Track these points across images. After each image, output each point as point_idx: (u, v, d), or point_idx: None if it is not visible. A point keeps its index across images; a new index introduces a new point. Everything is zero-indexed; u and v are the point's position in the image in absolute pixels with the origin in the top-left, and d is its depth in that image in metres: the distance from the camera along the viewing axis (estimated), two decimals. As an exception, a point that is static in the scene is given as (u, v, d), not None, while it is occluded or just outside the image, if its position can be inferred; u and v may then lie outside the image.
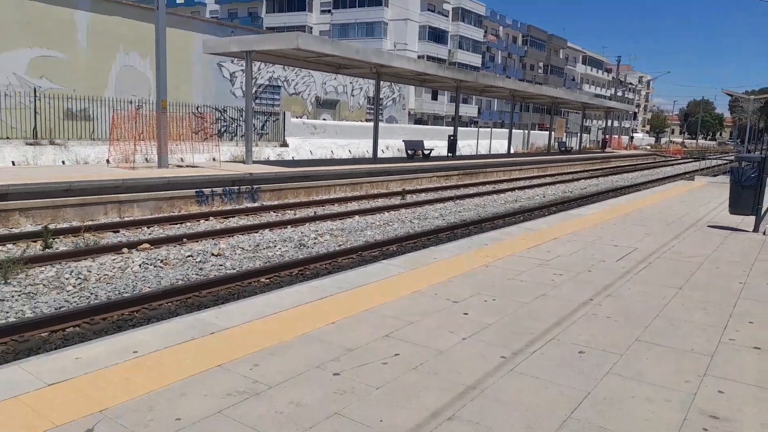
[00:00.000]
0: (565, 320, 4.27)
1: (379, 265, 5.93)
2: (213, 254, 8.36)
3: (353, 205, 13.92)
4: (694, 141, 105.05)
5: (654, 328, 4.17)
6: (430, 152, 27.40)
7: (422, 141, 28.47)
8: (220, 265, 7.81)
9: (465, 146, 37.76)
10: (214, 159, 18.31)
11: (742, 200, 8.80)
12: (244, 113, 22.37)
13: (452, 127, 33.20)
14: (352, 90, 40.88)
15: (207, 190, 12.55)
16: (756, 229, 8.76)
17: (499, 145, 41.45)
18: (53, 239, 8.51)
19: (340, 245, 9.38)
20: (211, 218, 11.23)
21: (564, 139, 49.26)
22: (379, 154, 27.92)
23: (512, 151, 39.96)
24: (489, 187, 19.43)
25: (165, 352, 3.43)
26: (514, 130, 40.74)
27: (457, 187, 19.13)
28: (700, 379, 3.28)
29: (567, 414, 2.82)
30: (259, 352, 3.47)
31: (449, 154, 28.96)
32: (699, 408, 2.92)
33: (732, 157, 48.19)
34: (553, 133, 46.15)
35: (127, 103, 21.47)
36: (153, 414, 2.70)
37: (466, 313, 4.37)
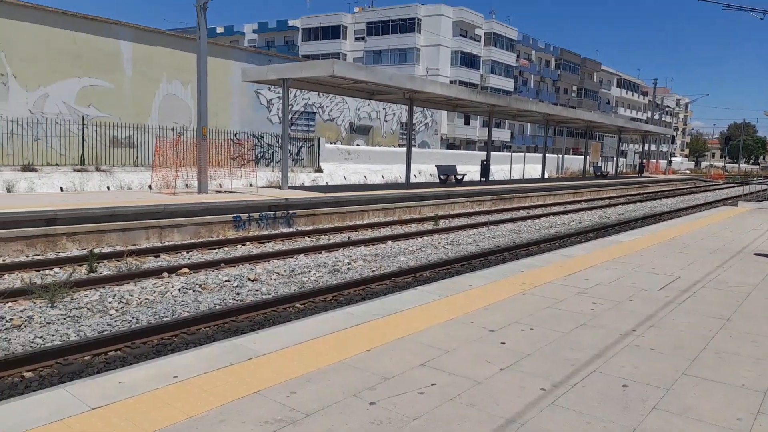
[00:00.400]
0: (607, 351, 4.15)
1: (413, 291, 5.90)
2: (249, 279, 8.48)
3: (386, 231, 13.96)
4: (736, 165, 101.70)
5: (701, 361, 4.01)
6: (463, 177, 27.34)
7: (455, 166, 28.45)
8: (257, 290, 7.92)
9: (498, 171, 37.57)
10: (251, 184, 18.74)
11: (791, 227, 8.45)
12: (280, 139, 22.90)
13: (485, 152, 33.15)
14: (385, 116, 41.39)
15: (244, 216, 12.82)
16: (808, 258, 8.37)
17: (533, 170, 41.05)
18: (98, 263, 8.80)
19: (373, 271, 9.39)
20: (248, 243, 11.44)
21: (599, 164, 48.51)
22: (412, 179, 28.03)
23: (546, 175, 39.53)
24: (523, 213, 19.22)
25: (204, 377, 3.48)
26: (548, 155, 40.40)
27: (491, 212, 18.98)
28: (753, 417, 3.13)
29: (612, 451, 2.72)
30: (296, 379, 3.48)
31: (482, 179, 28.84)
32: (754, 449, 2.78)
33: (778, 182, 46.38)
34: (588, 157, 45.50)
35: (168, 130, 22.28)
36: (193, 439, 2.73)
37: (504, 343, 4.29)
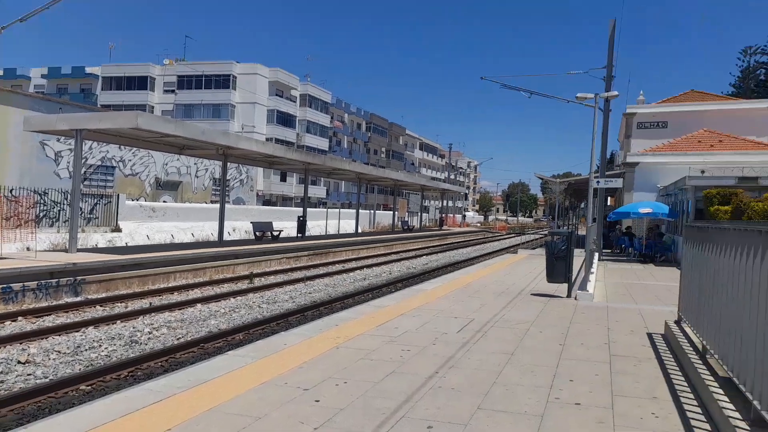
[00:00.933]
0: (414, 396, 4.37)
1: (223, 357, 5.58)
2: (20, 362, 7.12)
3: (195, 293, 13.06)
4: (515, 218, 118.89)
5: (492, 394, 4.45)
6: (280, 233, 27.20)
7: (271, 222, 28.22)
8: (29, 375, 6.67)
9: (314, 226, 38.23)
10: (28, 248, 16.08)
11: (555, 270, 10.06)
12: (69, 196, 20.29)
13: (301, 208, 33.57)
14: (197, 171, 39.65)
15: (16, 286, 10.83)
16: (569, 295, 10.00)
17: (348, 225, 42.68)
18: None
19: (179, 338, 8.65)
20: (20, 318, 9.58)
21: (406, 218, 52.40)
22: (226, 237, 26.98)
23: (360, 230, 41.33)
24: (339, 267, 19.71)
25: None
26: (360, 211, 42.45)
27: (308, 267, 19.10)
28: (533, 440, 3.54)
29: (418, 494, 2.83)
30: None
31: (299, 235, 29.02)
32: (534, 468, 3.13)
33: (546, 232, 55.15)
34: (396, 212, 48.98)
35: None
36: None
37: (318, 400, 4.25)
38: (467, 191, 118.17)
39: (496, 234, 58.34)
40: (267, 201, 56.06)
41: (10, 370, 6.83)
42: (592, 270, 12.59)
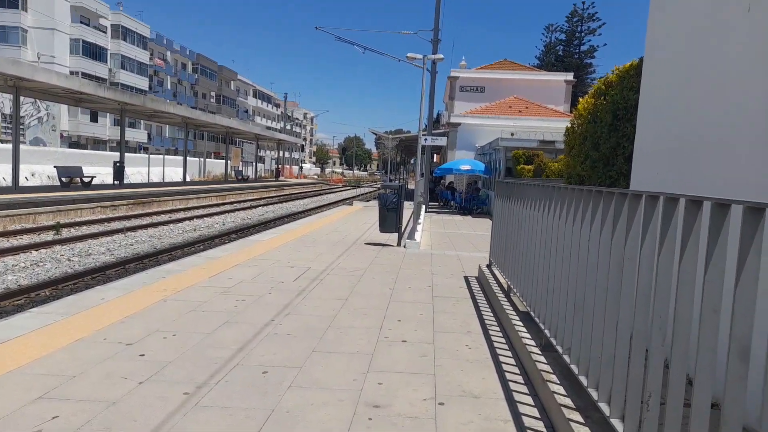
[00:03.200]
0: (249, 344, 4.34)
1: (26, 314, 4.90)
2: None
3: (-14, 245, 11.17)
4: (351, 172, 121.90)
5: (327, 338, 4.62)
6: (92, 180, 24.33)
7: (81, 167, 25.07)
8: None
9: (135, 173, 34.86)
10: None
11: (387, 221, 10.61)
12: None
13: (118, 153, 30.24)
14: (-20, 103, 33.21)
15: None
16: (399, 244, 10.67)
17: (174, 173, 39.70)
18: None
19: (-34, 296, 7.37)
20: None
21: (240, 168, 50.46)
22: (23, 183, 23.38)
23: (188, 179, 38.80)
24: (165, 217, 18.36)
25: None
26: (189, 158, 39.70)
27: (128, 218, 17.44)
28: (364, 376, 3.78)
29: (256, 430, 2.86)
30: None
31: (116, 182, 26.27)
32: (365, 401, 3.36)
33: (379, 185, 57.64)
34: (229, 161, 46.79)
35: None
36: None
37: (143, 355, 3.99)
38: (304, 143, 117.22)
39: (333, 186, 59.27)
40: (74, 143, 49.34)
41: None
42: (420, 221, 13.55)
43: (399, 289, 6.71)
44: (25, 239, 12.22)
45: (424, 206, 18.90)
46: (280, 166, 62.30)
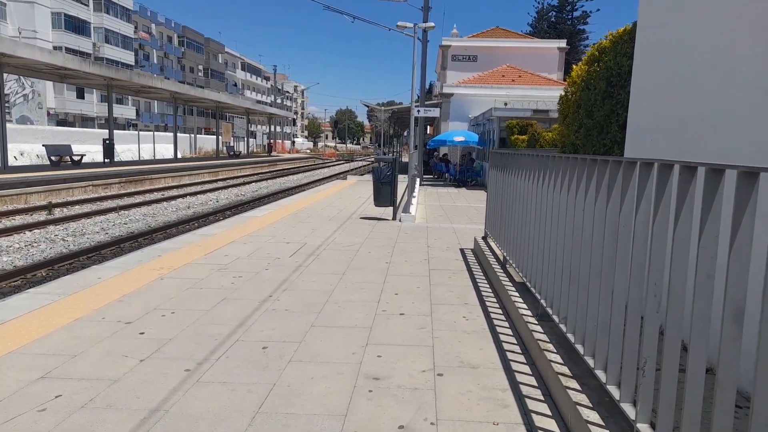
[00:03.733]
0: (248, 320, 4.37)
1: (23, 295, 4.90)
2: None
3: (-22, 227, 11.09)
4: (344, 145, 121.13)
5: (325, 312, 4.65)
6: (81, 158, 24.10)
7: (70, 146, 24.78)
8: None
9: (125, 151, 34.49)
10: None
11: (382, 194, 10.59)
12: None
13: (106, 130, 29.85)
14: (-37, 82, 32.53)
15: None
16: (394, 218, 10.68)
17: (165, 150, 39.32)
18: None
19: (-39, 279, 7.35)
20: None
21: (232, 144, 50.04)
22: (12, 162, 23.11)
23: (180, 155, 38.50)
24: (157, 195, 18.25)
25: None
26: (180, 134, 39.29)
27: (120, 196, 17.33)
28: (363, 349, 3.82)
29: (255, 410, 2.90)
30: None
31: (106, 160, 26.02)
32: (364, 373, 3.40)
33: (373, 159, 57.38)
34: (220, 137, 46.33)
35: None
36: None
37: (143, 333, 4.02)
38: (295, 117, 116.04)
39: (326, 161, 58.99)
40: (62, 121, 48.59)
41: None
42: (414, 194, 13.54)
43: (395, 262, 6.74)
44: (18, 220, 12.13)
45: (418, 179, 18.87)
46: (272, 141, 61.78)
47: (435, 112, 20.35)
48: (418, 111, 18.89)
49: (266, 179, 28.33)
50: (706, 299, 1.97)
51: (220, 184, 23.82)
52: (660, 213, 2.27)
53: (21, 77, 35.25)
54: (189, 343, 3.83)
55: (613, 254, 2.64)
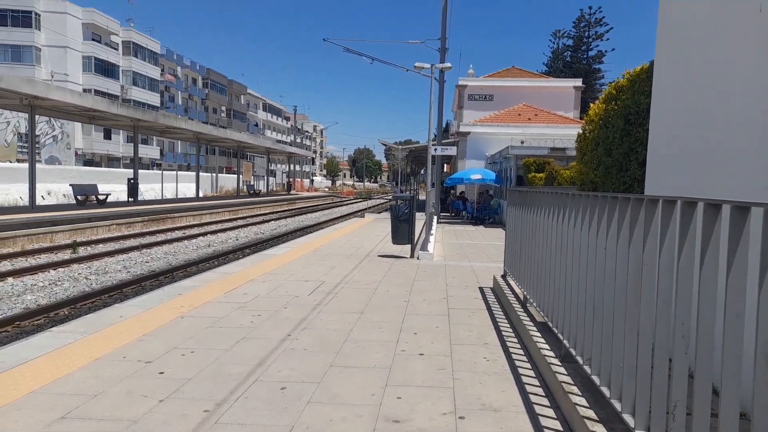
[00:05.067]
0: (267, 359, 4.35)
1: (45, 334, 4.95)
2: None
3: (5, 265, 11.33)
4: (362, 183, 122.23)
5: (344, 352, 4.61)
6: (107, 197, 24.66)
7: (95, 185, 25.42)
8: None
9: (149, 190, 35.25)
10: None
11: (399, 232, 10.61)
12: None
13: (132, 170, 30.61)
14: (-4, 125, 33.88)
15: None
16: (412, 255, 10.65)
17: (187, 189, 40.08)
18: None
19: (-13, 317, 7.48)
20: None
21: (252, 182, 50.85)
22: (39, 201, 23.72)
23: (201, 194, 39.17)
24: (179, 233, 18.52)
25: None
26: (201, 173, 40.08)
27: (143, 235, 17.62)
28: (383, 390, 3.76)
29: (275, 453, 2.85)
30: None
31: (130, 199, 26.56)
32: (384, 416, 3.34)
33: (390, 197, 57.75)
34: (241, 176, 47.17)
35: None
36: None
37: (162, 372, 4.01)
38: (314, 155, 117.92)
39: (344, 199, 59.47)
40: (89, 161, 50.03)
41: None
42: (432, 232, 13.53)
43: (414, 301, 6.69)
44: (43, 258, 12.38)
45: (435, 217, 18.88)
46: (291, 179, 62.67)
47: (452, 151, 20.51)
48: (435, 149, 19.05)
49: (285, 217, 28.61)
50: (736, 339, 1.91)
51: (240, 222, 24.10)
52: (685, 250, 2.24)
53: (51, 119, 36.57)
54: (208, 383, 3.81)
55: (638, 293, 2.59)
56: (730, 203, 1.96)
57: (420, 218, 18.11)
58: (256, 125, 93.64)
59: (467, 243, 14.09)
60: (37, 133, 34.34)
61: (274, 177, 70.37)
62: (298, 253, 10.75)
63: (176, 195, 38.04)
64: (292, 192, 58.40)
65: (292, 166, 65.97)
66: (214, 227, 21.15)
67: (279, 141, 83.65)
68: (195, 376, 3.94)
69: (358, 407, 3.46)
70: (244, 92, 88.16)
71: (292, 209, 35.51)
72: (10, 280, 9.83)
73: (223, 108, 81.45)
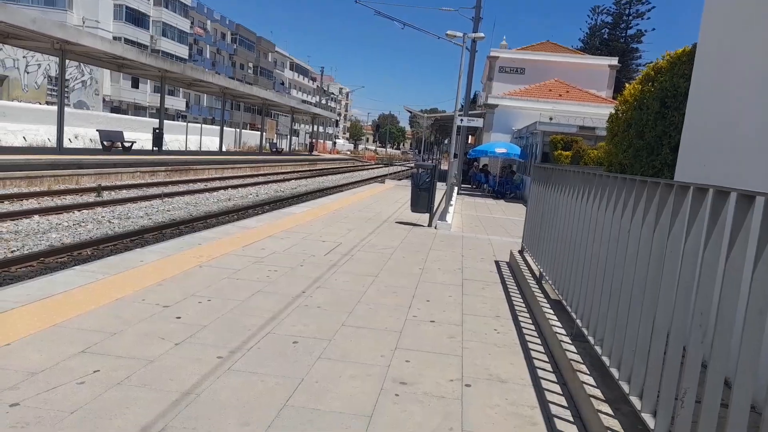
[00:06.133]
0: (281, 314, 4.43)
1: (70, 272, 5.10)
2: None
3: (32, 203, 11.64)
4: (384, 149, 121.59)
5: (357, 312, 4.67)
6: (132, 145, 24.92)
7: (122, 132, 25.69)
8: None
9: (173, 141, 35.53)
10: None
11: (419, 200, 10.58)
12: None
13: (157, 120, 30.80)
14: (27, 65, 34.22)
15: None
16: (430, 224, 10.65)
17: (210, 142, 40.31)
18: None
19: (13, 251, 7.73)
20: None
21: (275, 140, 50.88)
22: (67, 144, 24.07)
23: (224, 149, 39.35)
24: (201, 185, 18.73)
25: None
26: (225, 128, 40.18)
27: (165, 184, 17.86)
28: (392, 353, 3.82)
29: (283, 402, 2.94)
30: None
31: (155, 148, 26.84)
32: (392, 377, 3.40)
33: (412, 164, 57.45)
34: (264, 133, 47.19)
35: None
36: None
37: (179, 317, 4.12)
38: (338, 118, 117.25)
39: (365, 163, 59.32)
40: (116, 108, 50.38)
41: None
42: (452, 202, 13.48)
43: (429, 269, 6.72)
44: (69, 199, 12.66)
45: (456, 188, 18.77)
46: (314, 140, 62.56)
47: (478, 122, 20.20)
48: (462, 120, 18.79)
49: (306, 177, 28.69)
50: (756, 336, 1.89)
51: (261, 179, 24.26)
52: (712, 240, 2.19)
53: (81, 64, 36.75)
54: (223, 332, 3.91)
55: (658, 279, 2.56)
56: (764, 195, 1.90)
57: (440, 188, 18.02)
58: (282, 84, 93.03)
59: (486, 216, 14.02)
60: (67, 77, 34.58)
61: (297, 137, 70.31)
62: (316, 213, 10.82)
63: (200, 147, 38.32)
64: (315, 153, 58.40)
65: (315, 127, 65.75)
66: (235, 182, 21.34)
67: (304, 101, 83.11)
68: (210, 324, 4.04)
69: (367, 367, 3.53)
70: (272, 50, 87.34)
71: (313, 170, 35.57)
72: (36, 217, 10.11)
73: (251, 64, 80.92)
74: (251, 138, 50.46)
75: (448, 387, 3.33)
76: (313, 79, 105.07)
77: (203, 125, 42.71)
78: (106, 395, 2.84)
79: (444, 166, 41.33)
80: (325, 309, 4.68)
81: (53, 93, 34.43)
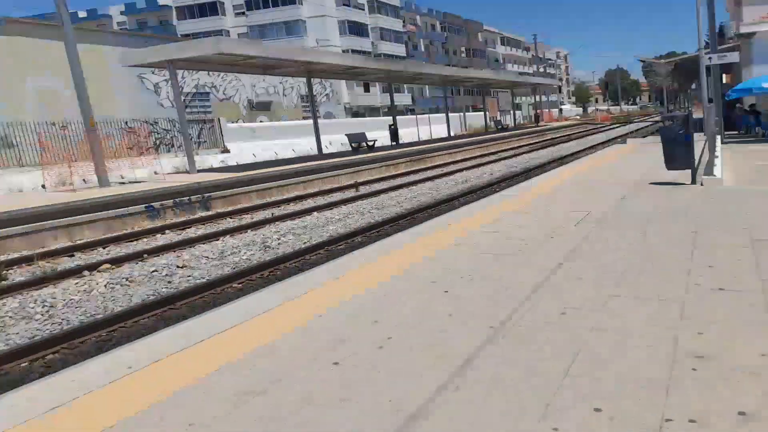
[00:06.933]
0: (541, 286, 4.40)
1: (348, 257, 5.93)
2: (178, 266, 8.18)
3: (309, 203, 13.90)
4: (618, 107, 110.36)
5: (625, 283, 4.36)
6: (374, 143, 27.51)
7: (364, 133, 28.52)
8: (189, 276, 7.67)
9: (406, 134, 38.10)
10: (156, 173, 17.67)
11: (676, 155, 9.33)
12: (177, 123, 21.65)
13: (390, 117, 33.38)
14: (284, 90, 40.35)
15: (156, 204, 12.19)
16: (693, 181, 9.32)
17: (439, 130, 42.07)
18: (7, 270, 8.09)
19: (305, 243, 9.33)
20: (167, 231, 11.02)
21: (498, 118, 50.55)
22: (324, 150, 27.76)
23: (452, 134, 40.67)
24: (437, 171, 19.74)
25: (155, 365, 3.30)
26: (450, 114, 41.44)
27: (407, 174, 19.32)
28: (676, 323, 3.48)
29: (565, 371, 2.93)
30: (252, 353, 3.40)
31: (392, 143, 29.20)
32: (684, 350, 3.09)
33: (657, 119, 50.97)
34: (487, 113, 47.28)
35: (49, 125, 20.32)
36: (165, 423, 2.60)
37: (447, 291, 4.43)
38: (560, 83, 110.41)
39: (599, 125, 54.81)
40: (354, 113, 56.25)
41: (172, 273, 7.93)
42: (717, 154, 11.59)
43: (703, 230, 5.90)
44: (336, 196, 14.72)
45: (719, 137, 16.04)
46: (538, 111, 60.25)
47: (733, 57, 16.88)
48: (710, 58, 15.96)
49: (536, 149, 27.86)
50: None
51: (492, 158, 24.39)
52: None
53: (322, 80, 41.94)
54: (489, 304, 4.07)
55: None
56: None
57: (697, 140, 15.64)
58: (496, 60, 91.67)
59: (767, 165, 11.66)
60: (314, 93, 39.91)
61: (520, 110, 68.58)
62: (555, 183, 10.43)
63: (430, 136, 40.35)
64: (541, 123, 56.20)
65: (537, 98, 63.18)
66: (467, 164, 21.90)
67: (521, 73, 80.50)
68: (475, 296, 4.25)
69: (649, 338, 3.28)
70: (481, 29, 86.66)
71: (542, 141, 34.34)
72: (315, 214, 12.09)
73: (462, 48, 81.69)
74: (475, 119, 51.07)
75: (761, 362, 2.89)
76: (527, 49, 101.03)
77: (430, 115, 44.83)
78: (400, 356, 3.23)
79: (697, 114, 35.65)
80: (587, 280, 4.49)
81: (306, 109, 40.09)
